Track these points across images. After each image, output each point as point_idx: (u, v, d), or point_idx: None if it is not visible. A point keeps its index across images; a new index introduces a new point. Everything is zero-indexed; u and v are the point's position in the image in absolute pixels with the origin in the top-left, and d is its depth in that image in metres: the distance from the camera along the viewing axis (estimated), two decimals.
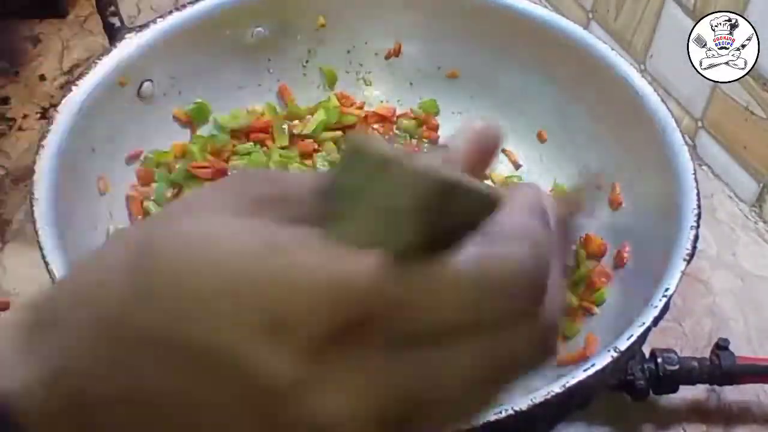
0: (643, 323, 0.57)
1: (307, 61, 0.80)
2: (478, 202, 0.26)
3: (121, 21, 0.77)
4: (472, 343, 0.26)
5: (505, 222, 0.27)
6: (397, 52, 0.81)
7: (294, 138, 0.78)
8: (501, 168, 0.79)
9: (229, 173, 0.74)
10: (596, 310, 0.69)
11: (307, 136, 0.78)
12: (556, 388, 0.54)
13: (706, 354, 0.70)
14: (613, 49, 0.73)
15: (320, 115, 0.78)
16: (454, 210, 0.26)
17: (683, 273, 0.59)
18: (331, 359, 0.24)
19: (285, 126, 0.78)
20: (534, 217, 0.27)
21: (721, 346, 0.69)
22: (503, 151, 0.79)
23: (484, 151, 0.29)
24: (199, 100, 0.77)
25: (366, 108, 0.81)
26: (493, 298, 0.26)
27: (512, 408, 0.53)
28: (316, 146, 0.78)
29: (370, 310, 0.25)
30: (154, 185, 0.74)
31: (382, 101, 0.82)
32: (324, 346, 0.24)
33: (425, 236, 0.25)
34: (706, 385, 0.71)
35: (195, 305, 0.24)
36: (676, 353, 0.69)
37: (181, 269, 0.24)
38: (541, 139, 0.79)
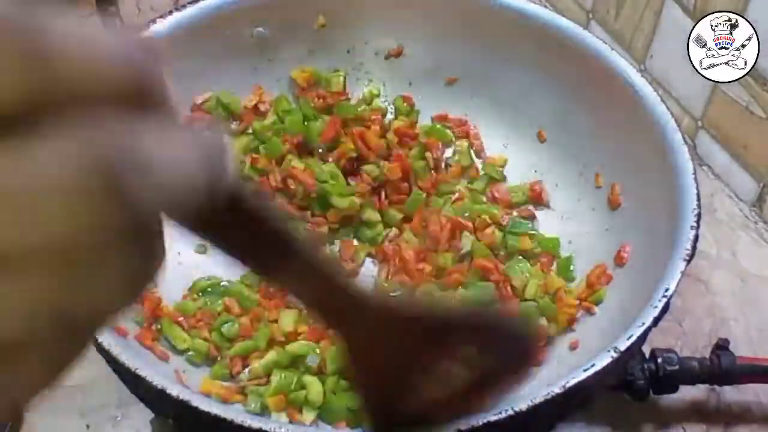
0: (643, 323, 0.57)
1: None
2: None
3: (121, 21, 0.77)
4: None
5: None
6: (397, 53, 0.81)
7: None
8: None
9: None
10: (596, 310, 0.69)
11: None
12: (556, 388, 0.54)
13: (706, 354, 0.70)
14: (613, 49, 0.73)
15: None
16: None
17: (683, 273, 0.59)
18: None
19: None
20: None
21: (721, 346, 0.69)
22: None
23: None
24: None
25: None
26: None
27: (512, 408, 0.53)
28: None
29: None
30: None
31: (382, 101, 0.82)
32: None
33: None
34: (706, 385, 0.72)
35: None
36: (676, 353, 0.69)
37: None
38: (541, 139, 0.79)
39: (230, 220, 0.29)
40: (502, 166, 0.79)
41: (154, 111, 0.24)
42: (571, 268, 0.72)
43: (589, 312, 0.69)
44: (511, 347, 0.49)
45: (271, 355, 0.67)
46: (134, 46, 0.24)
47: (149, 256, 0.25)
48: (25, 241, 0.21)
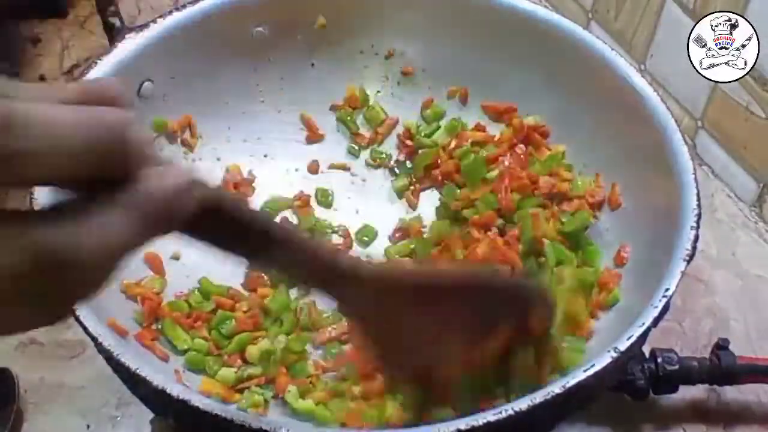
0: (643, 323, 0.57)
1: (311, 64, 0.80)
2: None
3: (121, 21, 0.77)
4: None
5: None
6: (397, 53, 0.81)
7: None
8: None
9: None
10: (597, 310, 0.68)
11: None
12: (556, 389, 0.54)
13: (706, 354, 0.70)
14: (613, 49, 0.73)
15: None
16: None
17: (683, 273, 0.59)
18: None
19: None
20: None
21: (721, 346, 0.69)
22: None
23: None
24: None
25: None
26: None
27: (512, 408, 0.53)
28: None
29: None
30: None
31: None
32: None
33: None
34: (706, 385, 0.72)
35: None
36: (676, 353, 0.69)
37: None
38: None
39: (212, 221, 0.36)
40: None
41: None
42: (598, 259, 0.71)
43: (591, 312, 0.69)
44: (513, 304, 0.55)
45: (265, 343, 0.67)
46: (97, 119, 0.30)
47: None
48: None
